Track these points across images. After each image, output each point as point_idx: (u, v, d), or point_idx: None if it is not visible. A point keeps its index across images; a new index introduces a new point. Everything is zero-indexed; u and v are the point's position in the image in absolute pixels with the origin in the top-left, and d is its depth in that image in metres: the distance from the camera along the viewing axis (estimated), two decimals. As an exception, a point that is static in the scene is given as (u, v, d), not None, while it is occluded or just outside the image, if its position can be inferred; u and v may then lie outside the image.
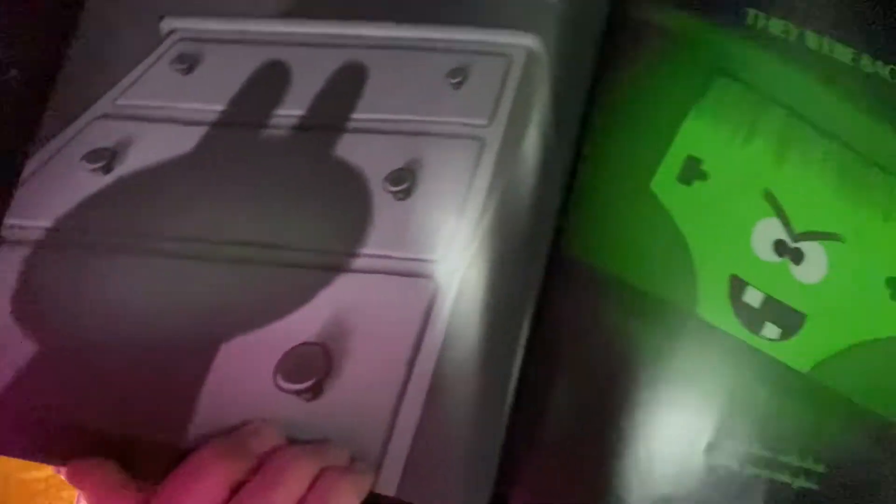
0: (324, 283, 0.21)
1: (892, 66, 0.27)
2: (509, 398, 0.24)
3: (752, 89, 0.26)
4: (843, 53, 0.27)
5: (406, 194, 0.22)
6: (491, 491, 0.24)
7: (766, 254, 0.25)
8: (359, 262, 0.22)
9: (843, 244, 0.26)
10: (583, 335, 0.25)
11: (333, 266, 0.21)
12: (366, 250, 0.22)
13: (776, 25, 0.27)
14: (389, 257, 0.22)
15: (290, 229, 0.21)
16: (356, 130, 0.22)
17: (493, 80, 0.23)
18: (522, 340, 0.24)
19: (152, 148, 0.20)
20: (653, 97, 0.26)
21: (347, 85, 0.22)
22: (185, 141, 0.20)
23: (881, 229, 0.26)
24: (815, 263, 0.26)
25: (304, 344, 0.21)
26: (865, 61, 0.27)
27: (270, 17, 0.22)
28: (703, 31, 0.27)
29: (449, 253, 0.23)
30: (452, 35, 0.23)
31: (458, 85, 0.23)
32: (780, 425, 0.24)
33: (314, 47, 0.22)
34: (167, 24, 0.22)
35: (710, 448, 0.24)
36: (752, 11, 0.27)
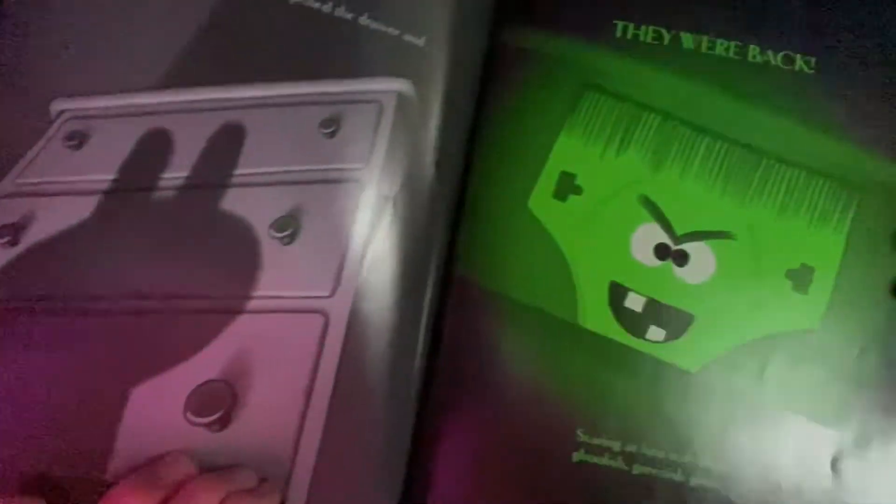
0: (223, 325, 0.24)
1: (785, 53, 0.27)
2: (411, 417, 0.26)
3: (623, 100, 0.27)
4: (726, 48, 0.27)
5: (291, 239, 0.25)
6: (398, 502, 0.26)
7: (648, 258, 0.26)
8: (253, 304, 0.24)
9: (735, 241, 0.26)
10: (478, 353, 0.26)
11: (230, 309, 0.24)
12: (259, 293, 0.24)
13: (647, 33, 0.27)
14: (281, 297, 0.25)
15: (188, 280, 0.24)
16: (239, 185, 0.25)
17: (366, 126, 0.26)
18: (419, 361, 0.26)
19: (54, 219, 0.24)
20: (527, 119, 0.28)
21: (227, 144, 0.25)
22: (82, 209, 0.24)
23: (776, 223, 0.26)
24: (702, 263, 0.26)
25: (208, 381, 0.24)
26: (753, 52, 0.27)
27: (151, 90, 0.25)
28: (572, 49, 0.28)
29: (338, 288, 0.25)
30: (323, 88, 0.25)
31: (332, 134, 0.25)
32: (673, 425, 0.25)
33: (194, 112, 0.25)
34: (56, 106, 0.25)
35: (597, 450, 0.25)
36: (620, 24, 0.28)
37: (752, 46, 0.27)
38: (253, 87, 0.25)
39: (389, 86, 0.26)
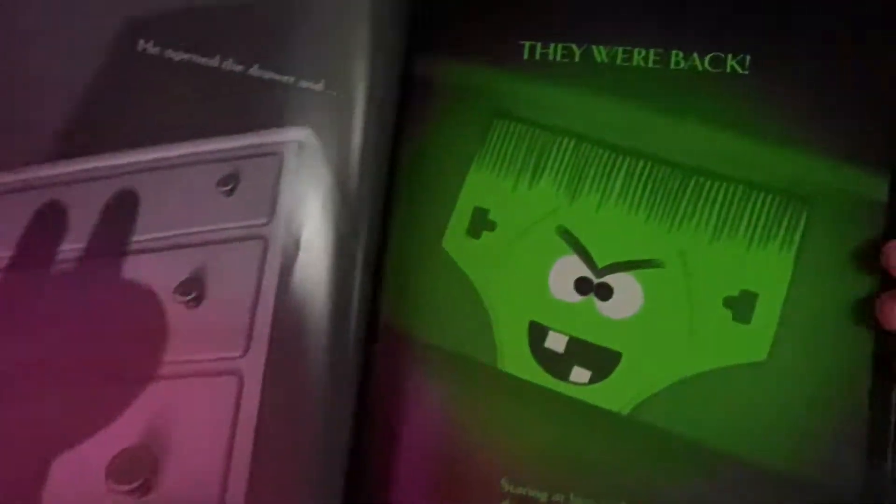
0: (137, 392, 0.25)
1: (713, 55, 0.25)
2: (342, 469, 0.26)
3: (534, 126, 0.25)
4: (645, 58, 0.25)
5: (197, 301, 0.25)
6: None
7: (568, 294, 0.24)
8: (166, 370, 0.25)
9: (664, 270, 0.24)
10: (404, 401, 0.26)
11: (143, 377, 0.25)
12: (170, 358, 0.25)
13: (556, 51, 0.25)
14: (192, 361, 0.25)
15: (95, 350, 0.25)
16: (139, 252, 0.25)
17: (267, 180, 0.25)
18: (345, 411, 0.26)
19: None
20: (438, 155, 0.26)
21: (123, 211, 0.25)
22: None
23: (711, 246, 0.24)
24: (628, 296, 0.24)
25: (128, 449, 0.24)
26: (676, 58, 0.25)
27: (41, 163, 0.26)
28: (478, 77, 0.26)
29: (250, 347, 0.25)
30: (217, 146, 0.25)
31: (231, 191, 0.25)
32: (603, 472, 0.23)
33: (87, 182, 0.25)
34: None
35: (523, 501, 0.24)
36: (527, 44, 0.26)
37: (674, 52, 0.24)
38: (145, 150, 0.25)
39: (288, 136, 0.26)
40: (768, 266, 0.23)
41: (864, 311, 0.22)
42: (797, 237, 0.23)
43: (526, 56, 0.26)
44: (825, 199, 0.23)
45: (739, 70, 0.24)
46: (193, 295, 0.25)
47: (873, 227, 0.23)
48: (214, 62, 0.25)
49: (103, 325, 0.25)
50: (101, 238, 0.25)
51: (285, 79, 0.26)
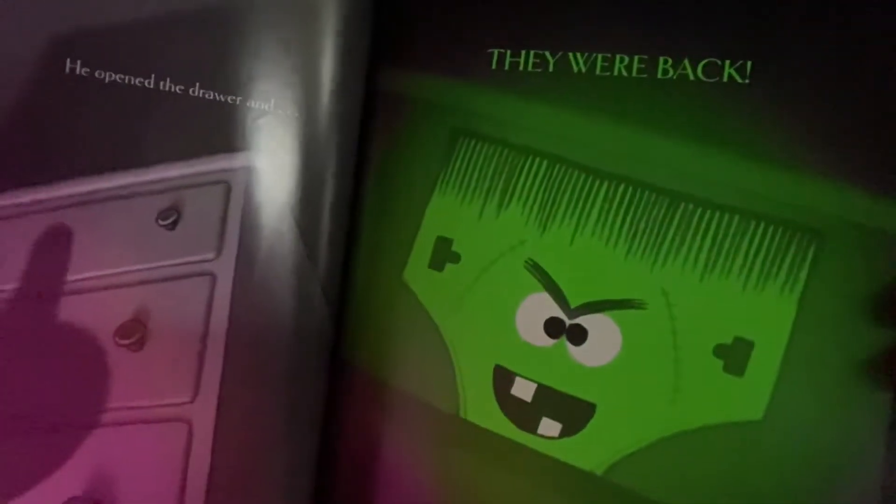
0: (80, 441, 0.23)
1: (708, 61, 0.21)
2: None
3: (502, 145, 0.22)
4: (628, 66, 0.22)
5: (139, 345, 0.23)
6: None
7: (537, 336, 0.22)
8: (109, 417, 0.23)
9: (646, 311, 0.21)
10: (367, 449, 0.24)
11: (85, 424, 0.23)
12: (113, 405, 0.23)
13: (528, 59, 0.22)
14: (137, 408, 0.23)
15: (34, 397, 0.24)
16: (75, 292, 0.23)
17: (212, 211, 0.23)
18: (308, 454, 0.24)
19: None
20: (400, 177, 0.24)
21: (55, 249, 0.23)
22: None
23: (701, 286, 0.21)
24: (604, 340, 0.21)
25: (72, 499, 0.23)
26: (664, 66, 0.21)
27: None
28: (440, 89, 0.23)
29: (199, 392, 0.23)
30: (156, 175, 0.23)
31: (172, 225, 0.23)
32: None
33: (15, 218, 0.24)
34: None
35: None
36: (495, 52, 0.23)
37: (661, 59, 0.21)
38: (77, 182, 0.23)
39: (235, 162, 0.23)
40: (767, 310, 0.20)
41: (880, 367, 0.19)
42: (802, 276, 0.20)
43: (494, 66, 0.23)
44: (837, 233, 0.19)
45: (739, 79, 0.20)
46: (136, 338, 0.23)
47: (894, 267, 0.19)
48: (150, 82, 0.23)
49: (42, 370, 0.23)
50: (33, 278, 0.23)
51: (229, 99, 0.23)
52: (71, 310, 0.23)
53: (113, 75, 0.23)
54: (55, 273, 0.23)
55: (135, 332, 0.23)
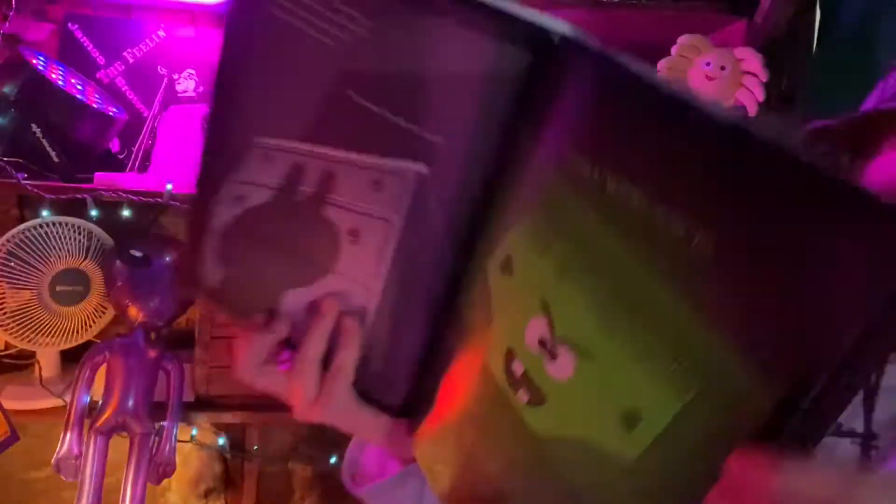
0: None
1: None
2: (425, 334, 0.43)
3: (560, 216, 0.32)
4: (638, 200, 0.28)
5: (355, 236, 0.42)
6: None
7: (532, 344, 0.33)
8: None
9: (593, 363, 0.30)
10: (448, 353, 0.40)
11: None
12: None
13: (580, 165, 0.30)
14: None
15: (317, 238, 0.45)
16: (331, 204, 0.43)
17: (405, 186, 0.39)
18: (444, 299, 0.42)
19: None
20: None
21: (322, 181, 0.43)
22: None
23: (625, 363, 0.28)
24: (564, 366, 0.32)
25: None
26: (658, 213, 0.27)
27: (298, 140, 0.43)
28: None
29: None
30: (373, 160, 0.39)
31: (377, 185, 0.40)
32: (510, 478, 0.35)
33: (307, 157, 0.43)
34: None
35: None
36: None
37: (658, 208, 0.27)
38: (331, 148, 0.41)
39: (413, 167, 0.38)
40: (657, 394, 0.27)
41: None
42: (681, 402, 0.26)
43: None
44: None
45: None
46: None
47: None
48: (381, 112, 0.38)
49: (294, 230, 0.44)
50: (314, 188, 0.43)
51: (414, 127, 0.37)
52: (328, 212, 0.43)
53: (376, 107, 0.38)
54: (324, 193, 0.43)
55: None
